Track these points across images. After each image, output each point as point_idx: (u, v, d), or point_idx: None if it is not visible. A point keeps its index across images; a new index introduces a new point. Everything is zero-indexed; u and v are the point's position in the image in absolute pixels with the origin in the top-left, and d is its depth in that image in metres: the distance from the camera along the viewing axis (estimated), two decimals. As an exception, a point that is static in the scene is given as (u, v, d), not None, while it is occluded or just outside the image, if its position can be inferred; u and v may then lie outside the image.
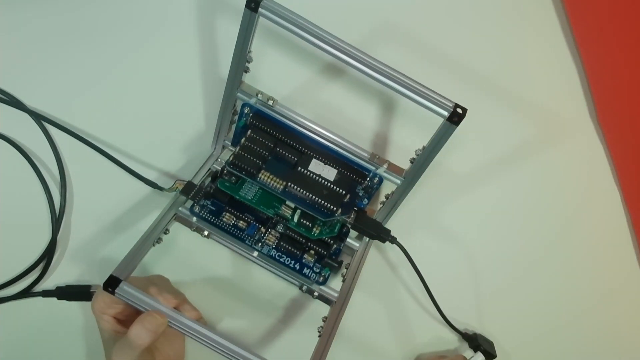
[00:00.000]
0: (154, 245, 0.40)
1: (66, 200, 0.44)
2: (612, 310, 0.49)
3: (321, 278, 0.42)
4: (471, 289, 0.48)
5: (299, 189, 0.39)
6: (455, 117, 0.34)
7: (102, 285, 0.35)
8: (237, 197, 0.41)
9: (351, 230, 0.43)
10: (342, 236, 0.43)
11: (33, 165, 0.44)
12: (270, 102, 0.41)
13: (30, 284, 0.43)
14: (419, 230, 0.48)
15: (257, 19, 0.35)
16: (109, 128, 0.46)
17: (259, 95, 0.41)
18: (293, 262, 0.42)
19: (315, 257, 0.42)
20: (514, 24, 0.52)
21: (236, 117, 0.43)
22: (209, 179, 0.45)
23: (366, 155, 0.41)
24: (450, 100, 0.34)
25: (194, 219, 0.42)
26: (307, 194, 0.39)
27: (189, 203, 0.42)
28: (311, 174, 0.41)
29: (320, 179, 0.40)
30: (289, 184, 0.39)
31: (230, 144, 0.45)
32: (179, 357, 0.41)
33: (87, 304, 0.39)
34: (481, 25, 0.52)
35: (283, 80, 0.48)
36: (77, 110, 0.46)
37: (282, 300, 0.45)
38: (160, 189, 0.44)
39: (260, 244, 0.42)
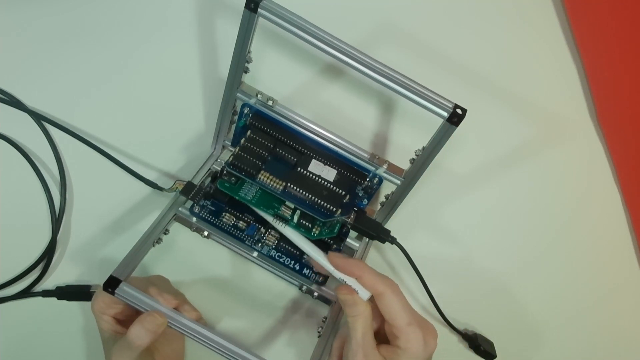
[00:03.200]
0: (153, 246, 0.40)
1: (66, 200, 0.44)
2: (612, 310, 0.49)
3: (321, 278, 0.42)
4: (471, 289, 0.48)
5: (298, 189, 0.39)
6: (455, 117, 0.34)
7: (102, 285, 0.35)
8: (237, 198, 0.41)
9: (351, 231, 0.43)
10: (342, 236, 0.43)
11: (33, 165, 0.44)
12: (270, 103, 0.41)
13: (30, 284, 0.43)
14: (418, 230, 0.48)
15: (256, 20, 0.35)
16: (109, 128, 0.46)
17: (259, 95, 0.41)
18: (293, 262, 0.42)
19: (315, 257, 0.42)
20: (514, 24, 0.52)
21: (236, 118, 0.43)
22: (209, 179, 0.45)
23: (366, 155, 0.41)
24: (449, 101, 0.34)
25: (194, 219, 0.42)
26: (307, 194, 0.39)
27: (189, 203, 0.42)
28: (311, 175, 0.40)
29: (319, 180, 0.40)
30: (289, 184, 0.39)
31: (230, 144, 0.45)
32: (178, 357, 0.41)
33: (87, 304, 0.39)
34: (481, 25, 0.52)
35: (283, 80, 0.48)
36: (77, 110, 0.46)
37: (282, 300, 0.45)
38: (160, 189, 0.44)
39: (260, 245, 0.42)
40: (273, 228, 0.42)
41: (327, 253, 0.37)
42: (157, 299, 0.35)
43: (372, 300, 0.35)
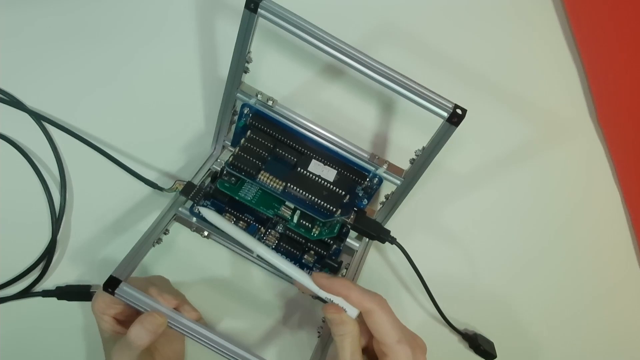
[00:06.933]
0: (153, 246, 0.40)
1: (66, 200, 0.44)
2: (611, 310, 0.49)
3: (321, 278, 0.42)
4: (471, 289, 0.48)
5: (298, 189, 0.39)
6: (455, 117, 0.34)
7: (102, 285, 0.35)
8: (237, 198, 0.41)
9: (351, 231, 0.43)
10: (342, 236, 0.43)
11: (33, 165, 0.44)
12: (270, 103, 0.41)
13: (30, 284, 0.43)
14: (418, 230, 0.48)
15: (256, 20, 0.35)
16: (109, 128, 0.46)
17: (259, 95, 0.41)
18: (293, 262, 0.42)
19: (315, 257, 0.42)
20: (514, 24, 0.52)
21: (236, 118, 0.43)
22: (209, 179, 0.45)
23: (366, 155, 0.41)
24: (449, 101, 0.34)
25: (194, 219, 0.42)
26: (307, 194, 0.39)
27: (189, 203, 0.42)
28: (311, 175, 0.40)
29: (319, 180, 0.40)
30: (289, 184, 0.39)
31: (230, 144, 0.45)
32: (178, 357, 0.41)
33: (87, 304, 0.39)
34: (481, 26, 0.52)
35: (283, 80, 0.48)
36: (77, 110, 0.46)
37: (282, 300, 0.45)
38: (160, 189, 0.44)
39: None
40: (272, 228, 0.42)
41: (310, 274, 0.36)
42: (157, 299, 0.35)
43: (359, 317, 0.34)
